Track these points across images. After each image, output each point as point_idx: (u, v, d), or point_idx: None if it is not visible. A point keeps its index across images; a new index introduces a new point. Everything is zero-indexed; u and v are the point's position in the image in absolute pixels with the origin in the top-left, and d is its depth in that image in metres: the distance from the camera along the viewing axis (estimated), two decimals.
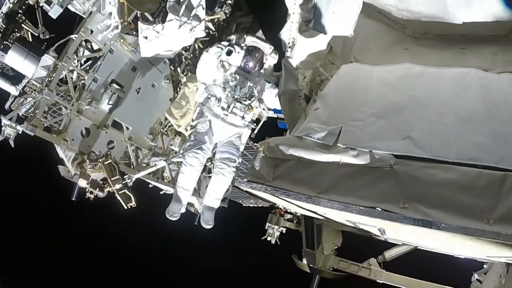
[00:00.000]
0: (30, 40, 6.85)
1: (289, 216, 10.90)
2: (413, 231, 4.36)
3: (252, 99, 5.70)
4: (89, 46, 7.11)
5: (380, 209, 3.80)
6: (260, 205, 14.44)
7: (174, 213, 5.83)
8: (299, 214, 10.14)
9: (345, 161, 4.17)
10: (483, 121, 4.16)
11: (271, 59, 6.00)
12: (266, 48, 5.90)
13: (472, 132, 4.07)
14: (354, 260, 8.70)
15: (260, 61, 5.94)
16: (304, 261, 8.76)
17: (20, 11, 6.50)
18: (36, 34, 6.87)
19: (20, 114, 6.70)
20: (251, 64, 5.88)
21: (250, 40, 5.86)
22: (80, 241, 17.20)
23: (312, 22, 5.15)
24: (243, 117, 5.75)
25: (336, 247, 8.82)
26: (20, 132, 6.12)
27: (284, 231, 10.74)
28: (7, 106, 7.04)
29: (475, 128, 4.11)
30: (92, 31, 6.76)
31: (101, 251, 17.48)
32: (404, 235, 5.77)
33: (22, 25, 6.73)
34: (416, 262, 8.43)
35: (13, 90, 7.11)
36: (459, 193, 3.57)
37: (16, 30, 6.62)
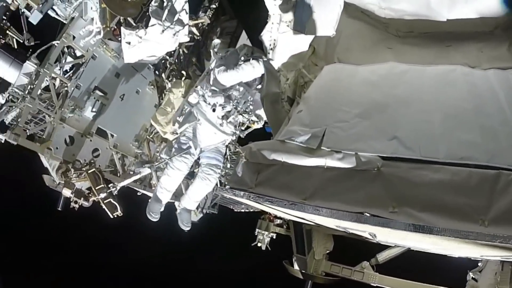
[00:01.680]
0: (15, 47, 6.70)
1: (279, 221, 10.47)
2: (406, 235, 4.06)
3: (251, 113, 5.45)
4: (72, 53, 6.80)
5: (368, 215, 3.49)
6: (251, 210, 14.07)
7: (154, 213, 5.70)
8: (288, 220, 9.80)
9: (330, 164, 3.86)
10: (471, 118, 3.94)
11: None
12: None
13: (460, 129, 3.83)
14: (346, 264, 8.34)
15: (262, 76, 5.61)
16: (296, 267, 8.40)
17: (4, 17, 6.38)
18: (21, 41, 6.70)
19: (7, 122, 6.42)
20: (258, 79, 5.60)
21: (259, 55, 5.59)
22: (70, 252, 16.80)
23: (292, 23, 4.89)
24: (235, 127, 5.51)
25: (327, 252, 8.47)
26: (2, 142, 5.85)
27: (274, 237, 10.25)
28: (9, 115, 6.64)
29: (463, 125, 3.87)
30: (74, 37, 6.45)
31: (93, 261, 17.06)
32: (396, 239, 5.47)
33: (7, 31, 6.60)
34: (410, 263, 8.09)
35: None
36: (451, 194, 3.28)
37: (0, 36, 6.50)
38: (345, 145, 3.93)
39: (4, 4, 6.15)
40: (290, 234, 9.16)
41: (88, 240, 16.20)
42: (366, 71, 4.99)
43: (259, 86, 5.77)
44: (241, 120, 5.47)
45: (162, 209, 5.85)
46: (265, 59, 5.61)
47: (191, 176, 7.32)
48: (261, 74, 5.49)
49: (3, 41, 6.58)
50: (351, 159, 3.78)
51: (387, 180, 3.56)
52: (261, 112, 5.77)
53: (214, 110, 5.37)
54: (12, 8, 6.24)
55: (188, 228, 5.96)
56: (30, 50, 6.52)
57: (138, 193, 8.04)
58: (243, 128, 5.72)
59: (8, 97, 6.59)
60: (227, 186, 4.54)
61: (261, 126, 6.14)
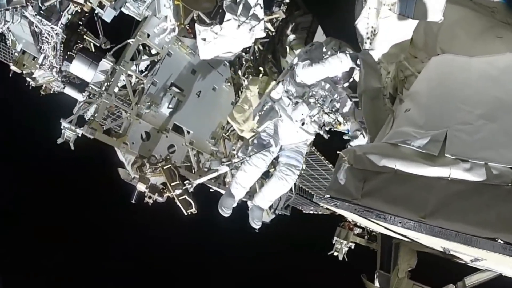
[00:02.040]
0: (93, 50, 7.07)
1: (359, 230, 9.72)
2: None
3: (337, 113, 5.10)
4: (147, 50, 6.85)
5: (502, 242, 2.77)
6: (320, 213, 13.48)
7: (226, 208, 5.55)
8: (371, 230, 8.99)
9: (455, 176, 3.10)
10: None
11: (358, 75, 5.21)
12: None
13: None
14: (429, 284, 7.36)
15: (350, 74, 5.18)
16: (376, 284, 7.60)
17: (80, 23, 6.81)
18: (98, 44, 7.06)
19: (86, 118, 6.61)
20: (341, 75, 5.14)
21: (348, 50, 5.16)
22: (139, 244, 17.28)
23: (396, 6, 4.22)
24: (320, 127, 5.17)
25: (410, 269, 7.56)
26: (79, 135, 6.02)
27: (352, 247, 9.51)
28: (74, 111, 6.92)
29: None
30: (148, 35, 6.50)
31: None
32: (508, 267, 4.54)
33: (84, 36, 7.00)
34: None
35: (79, 97, 7.42)
36: None
37: (78, 41, 6.90)
38: (472, 152, 3.16)
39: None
40: (371, 246, 8.39)
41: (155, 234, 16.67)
42: (482, 63, 4.09)
43: (346, 84, 5.32)
44: (326, 120, 5.10)
45: (235, 205, 5.68)
46: (350, 51, 5.12)
47: (266, 176, 7.28)
48: (349, 68, 5.01)
49: (81, 45, 6.94)
50: (480, 171, 3.03)
51: None
52: (347, 112, 5.28)
53: (297, 108, 5.07)
54: (85, 9, 6.39)
55: (258, 226, 5.77)
56: (107, 53, 6.64)
57: (211, 190, 7.85)
58: (327, 129, 5.28)
59: (88, 94, 6.83)
60: (326, 195, 3.93)
61: (346, 128, 5.54)
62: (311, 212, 14.05)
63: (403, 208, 3.24)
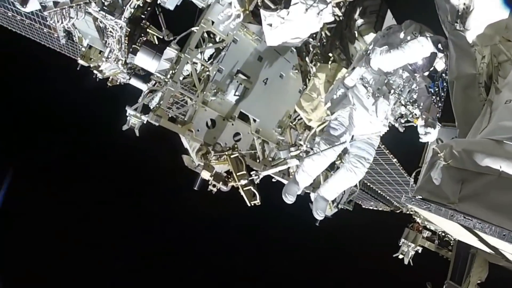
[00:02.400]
0: (156, 42, 7.19)
1: (428, 233, 9.01)
2: None
3: (415, 105, 4.58)
4: (212, 38, 6.78)
5: None
6: (380, 209, 12.83)
7: (290, 195, 5.43)
8: (443, 234, 8.27)
9: None
10: None
11: (440, 63, 4.72)
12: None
13: None
14: None
15: (431, 62, 4.69)
16: None
17: (142, 16, 6.84)
18: (161, 37, 7.20)
19: (151, 107, 6.68)
20: (422, 63, 4.67)
21: (430, 34, 4.67)
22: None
23: None
24: (395, 119, 4.71)
25: (479, 281, 6.84)
26: (145, 122, 6.08)
27: (419, 251, 8.82)
28: (139, 100, 6.99)
29: None
30: (213, 22, 6.37)
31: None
32: None
33: (147, 30, 7.18)
34: None
35: (144, 87, 7.73)
36: None
37: (142, 34, 7.10)
38: None
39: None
40: (443, 253, 7.71)
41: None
42: None
43: (426, 73, 4.84)
44: (403, 112, 4.61)
45: (299, 192, 5.57)
46: (431, 35, 4.59)
47: (331, 168, 7.03)
48: (430, 54, 4.52)
49: (145, 38, 7.11)
50: None
51: None
52: (424, 106, 4.76)
53: (372, 97, 4.71)
54: (148, 0, 6.41)
55: (321, 218, 5.68)
56: (171, 41, 6.66)
57: (273, 180, 7.64)
58: (402, 121, 4.75)
59: (154, 83, 7.11)
60: (417, 196, 3.49)
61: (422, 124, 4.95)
62: (371, 207, 13.43)
63: (508, 218, 2.73)
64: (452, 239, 8.23)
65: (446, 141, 4.36)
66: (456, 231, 4.50)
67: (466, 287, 6.59)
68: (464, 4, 4.22)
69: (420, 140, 4.66)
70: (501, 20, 4.23)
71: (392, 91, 4.65)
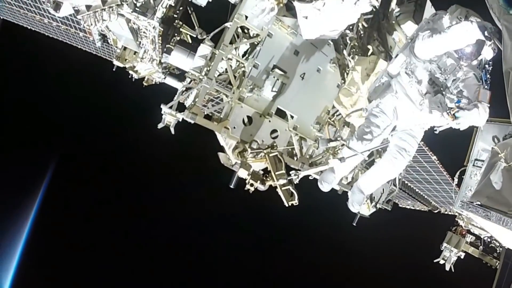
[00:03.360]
0: (190, 41, 7.08)
1: (472, 238, 8.38)
2: None
3: (460, 96, 4.28)
4: (246, 33, 6.61)
5: None
6: (418, 208, 12.24)
7: (326, 181, 5.26)
8: (489, 240, 7.66)
9: None
10: None
11: (488, 51, 4.38)
12: None
13: None
14: None
15: (479, 50, 4.34)
16: None
17: (175, 16, 6.75)
18: (194, 36, 7.06)
19: (187, 105, 6.69)
20: (469, 50, 4.32)
21: (476, 19, 4.33)
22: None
23: None
24: (442, 115, 4.27)
25: None
26: (180, 120, 6.02)
27: (462, 256, 8.21)
28: (175, 98, 6.99)
29: None
30: (246, 17, 6.17)
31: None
32: None
33: (180, 29, 7.08)
34: None
35: (179, 86, 7.71)
36: None
37: (175, 34, 7.02)
38: None
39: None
40: (487, 260, 7.11)
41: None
42: None
43: (475, 62, 4.46)
44: (448, 103, 4.25)
45: (336, 182, 5.44)
46: (478, 20, 4.25)
47: (370, 166, 6.76)
48: (476, 41, 4.17)
49: (178, 37, 7.03)
50: None
51: None
52: (474, 96, 4.25)
53: (419, 83, 4.46)
54: None
55: (356, 210, 5.46)
56: (205, 38, 6.60)
57: (310, 177, 7.37)
58: (452, 113, 4.22)
59: (189, 81, 7.04)
60: (475, 202, 3.08)
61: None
62: (408, 207, 12.85)
63: None
64: (499, 245, 7.59)
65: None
66: (509, 240, 4.06)
67: None
68: None
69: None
70: None
71: (437, 78, 4.42)
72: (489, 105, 4.12)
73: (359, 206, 5.26)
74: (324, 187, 5.28)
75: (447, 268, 8.16)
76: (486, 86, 4.50)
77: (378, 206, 8.21)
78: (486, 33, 4.10)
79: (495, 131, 5.19)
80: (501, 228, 3.11)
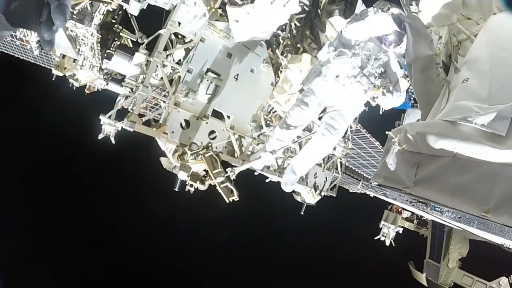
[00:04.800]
0: (131, 45, 6.94)
1: (407, 213, 8.92)
2: None
3: (384, 77, 4.62)
4: (180, 38, 6.62)
5: None
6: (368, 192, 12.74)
7: (289, 182, 5.36)
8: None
9: None
10: None
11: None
12: None
13: None
14: (481, 276, 6.51)
15: (400, 39, 4.68)
16: (424, 273, 6.90)
17: (113, 21, 6.69)
18: (135, 39, 7.02)
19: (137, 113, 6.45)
20: (391, 38, 4.68)
21: (398, 12, 4.72)
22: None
23: None
24: (365, 92, 4.71)
25: (461, 257, 6.75)
26: (119, 129, 5.90)
27: (400, 231, 8.72)
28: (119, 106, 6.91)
29: None
30: (179, 23, 6.20)
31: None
32: None
33: (120, 33, 6.96)
34: None
35: (122, 91, 7.36)
36: None
37: (116, 39, 6.92)
38: None
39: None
40: (423, 232, 7.64)
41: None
42: None
43: (399, 51, 4.76)
44: (369, 85, 4.62)
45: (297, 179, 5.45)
46: (396, 12, 4.58)
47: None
48: (394, 32, 4.54)
49: (119, 42, 6.91)
50: None
51: None
52: (394, 78, 4.69)
53: (339, 59, 4.74)
54: (113, 7, 6.29)
55: (289, 190, 5.54)
56: (145, 47, 6.52)
57: (266, 180, 7.63)
58: (374, 95, 4.75)
59: (130, 90, 6.77)
60: (374, 183, 3.42)
61: (398, 105, 4.96)
62: (358, 191, 13.37)
63: (463, 200, 2.69)
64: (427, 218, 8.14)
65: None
66: (414, 210, 4.46)
67: (446, 264, 6.52)
68: None
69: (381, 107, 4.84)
70: None
71: (359, 59, 4.65)
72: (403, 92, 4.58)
73: (292, 186, 5.47)
74: (288, 188, 5.42)
75: (387, 243, 8.65)
76: (407, 74, 4.88)
77: (323, 193, 8.57)
78: (402, 25, 4.45)
79: (419, 115, 5.59)
80: (402, 204, 3.48)
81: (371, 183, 3.50)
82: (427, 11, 4.30)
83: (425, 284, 6.97)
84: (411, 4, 4.33)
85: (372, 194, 3.67)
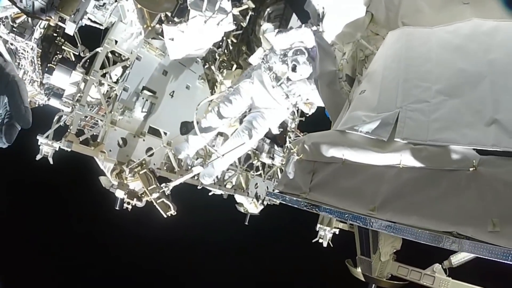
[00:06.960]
0: (73, 59, 6.77)
1: None
2: None
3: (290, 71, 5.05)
4: (118, 56, 6.56)
5: (456, 234, 2.36)
6: None
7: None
8: None
9: (406, 163, 2.71)
10: None
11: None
12: None
13: None
14: (415, 265, 6.90)
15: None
16: (359, 269, 7.19)
17: (55, 34, 6.47)
18: (77, 53, 6.79)
19: (74, 132, 6.24)
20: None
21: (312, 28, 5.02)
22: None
23: None
24: (287, 96, 5.11)
25: (395, 250, 7.13)
26: (57, 149, 5.74)
27: (337, 232, 9.02)
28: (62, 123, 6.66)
29: None
30: (116, 42, 6.19)
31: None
32: None
33: (62, 47, 6.72)
34: (487, 268, 6.48)
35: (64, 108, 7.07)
36: None
37: (57, 52, 6.66)
38: (427, 134, 2.74)
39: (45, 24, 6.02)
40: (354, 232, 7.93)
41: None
42: (444, 32, 3.53)
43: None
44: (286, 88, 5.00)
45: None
46: (314, 28, 4.86)
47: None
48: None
49: (61, 56, 6.69)
50: (437, 155, 2.62)
51: (486, 185, 2.37)
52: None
53: (270, 70, 5.11)
54: (52, 24, 5.95)
55: (207, 183, 6.08)
56: (88, 60, 6.43)
57: (210, 194, 7.67)
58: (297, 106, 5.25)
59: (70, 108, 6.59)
60: (275, 190, 3.62)
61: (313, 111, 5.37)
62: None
63: (352, 201, 2.89)
64: None
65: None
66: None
67: (377, 258, 6.81)
68: (322, 7, 4.42)
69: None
70: (358, 18, 4.45)
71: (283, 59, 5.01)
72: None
73: (210, 179, 5.81)
74: (206, 180, 5.80)
75: (325, 245, 8.88)
76: None
77: (265, 202, 8.74)
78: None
79: None
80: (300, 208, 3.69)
81: (273, 190, 3.71)
82: (329, 30, 4.57)
83: (363, 280, 7.24)
84: (318, 25, 4.61)
85: (276, 201, 3.86)
